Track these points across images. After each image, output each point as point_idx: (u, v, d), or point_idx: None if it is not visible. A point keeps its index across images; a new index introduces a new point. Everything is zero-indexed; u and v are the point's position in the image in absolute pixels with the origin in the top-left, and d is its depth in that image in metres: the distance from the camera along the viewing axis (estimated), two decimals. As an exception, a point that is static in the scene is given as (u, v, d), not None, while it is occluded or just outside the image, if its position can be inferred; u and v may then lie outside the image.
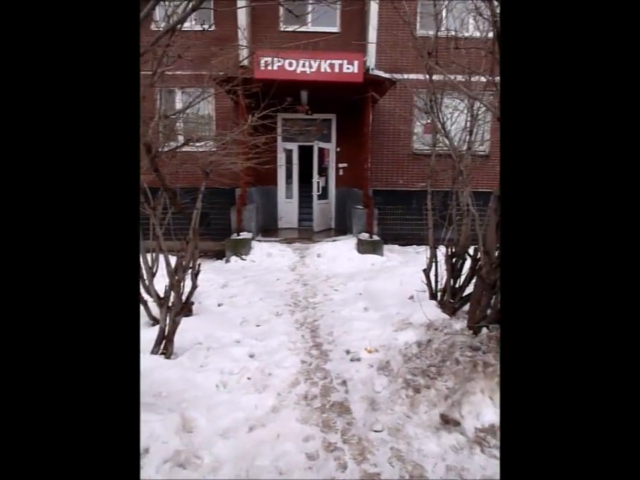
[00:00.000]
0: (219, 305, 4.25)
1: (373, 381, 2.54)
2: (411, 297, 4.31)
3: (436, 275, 3.97)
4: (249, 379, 2.63)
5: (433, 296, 3.96)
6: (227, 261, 6.02)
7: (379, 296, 4.48)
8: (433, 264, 3.95)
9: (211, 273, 5.40)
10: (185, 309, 3.26)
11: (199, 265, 3.35)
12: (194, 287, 3.28)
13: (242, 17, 7.31)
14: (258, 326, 3.71)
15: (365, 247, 6.15)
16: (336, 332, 3.52)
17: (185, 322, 3.29)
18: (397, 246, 7.74)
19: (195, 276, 3.27)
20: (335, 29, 7.91)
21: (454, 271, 3.74)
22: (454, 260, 3.75)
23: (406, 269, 5.40)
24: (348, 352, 3.09)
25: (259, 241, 6.65)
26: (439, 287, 3.98)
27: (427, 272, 3.93)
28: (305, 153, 8.07)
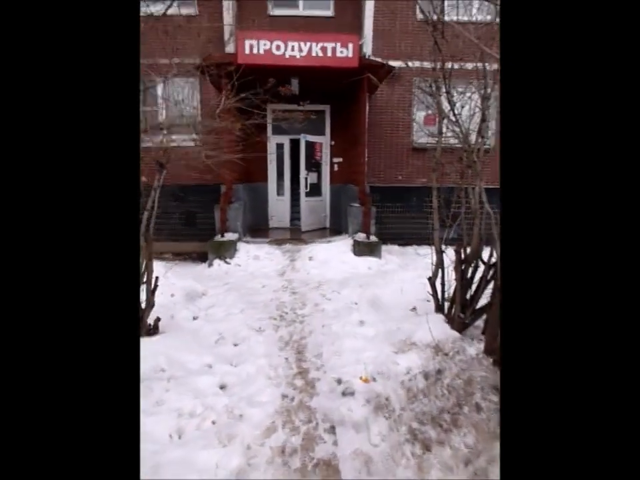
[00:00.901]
0: (194, 319, 3.71)
1: (369, 427, 2.00)
2: (414, 309, 3.78)
3: (442, 284, 3.43)
4: (213, 423, 2.09)
5: (439, 308, 3.42)
6: (210, 265, 5.47)
7: (377, 306, 3.95)
8: (439, 271, 3.41)
9: (190, 279, 4.85)
10: (144, 329, 2.72)
11: (157, 278, 2.79)
12: (149, 305, 2.73)
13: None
14: (235, 345, 3.17)
15: (361, 249, 5.60)
16: (326, 353, 2.98)
17: (148, 344, 2.76)
18: (396, 246, 7.20)
19: (151, 292, 2.71)
20: (329, 13, 7.33)
21: (464, 280, 3.21)
22: (464, 266, 3.22)
23: (406, 274, 4.87)
24: (339, 381, 2.56)
25: (246, 242, 6.09)
26: (446, 296, 3.45)
27: (432, 280, 3.39)
28: (298, 147, 7.49)
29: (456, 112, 3.02)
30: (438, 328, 3.07)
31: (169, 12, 5.08)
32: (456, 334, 2.94)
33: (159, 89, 7.47)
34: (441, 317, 3.28)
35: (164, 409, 2.16)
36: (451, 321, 3.21)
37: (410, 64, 6.57)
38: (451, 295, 3.40)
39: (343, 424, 2.07)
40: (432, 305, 3.54)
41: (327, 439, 1.98)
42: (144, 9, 3.38)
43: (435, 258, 3.40)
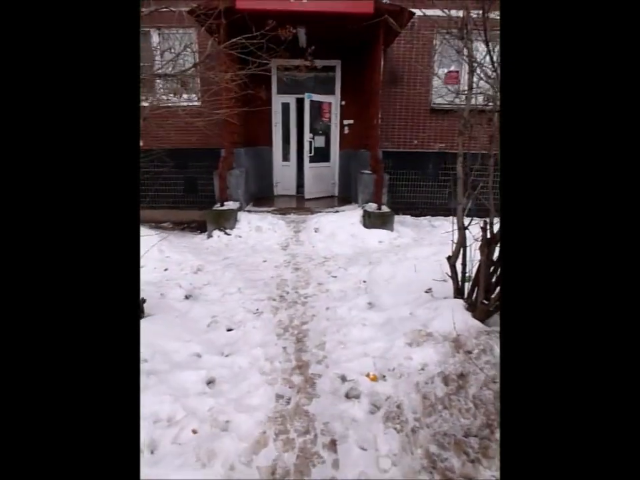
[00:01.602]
0: (186, 298, 3.39)
1: (377, 444, 1.67)
2: (429, 290, 3.40)
3: (464, 264, 3.02)
4: (194, 432, 1.79)
5: (458, 291, 3.03)
6: (209, 236, 5.12)
7: (387, 287, 3.57)
8: (461, 250, 2.99)
9: (187, 252, 4.52)
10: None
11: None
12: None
13: None
14: (229, 330, 2.86)
15: (372, 221, 5.17)
16: (329, 342, 2.65)
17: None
18: (409, 217, 6.74)
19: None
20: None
21: (489, 261, 2.79)
22: (490, 246, 2.79)
23: (420, 250, 4.46)
24: (343, 379, 2.23)
25: (248, 211, 5.69)
26: (466, 277, 3.05)
27: (452, 261, 2.98)
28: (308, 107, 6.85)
29: (494, 60, 2.48)
30: (457, 316, 2.69)
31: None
32: (479, 324, 2.57)
33: (153, 41, 6.86)
34: (460, 302, 2.89)
35: (138, 413, 1.86)
36: (472, 307, 2.83)
37: (431, 11, 5.82)
38: (472, 276, 3.02)
39: (346, 438, 1.74)
40: (449, 286, 3.16)
41: (326, 458, 1.66)
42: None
43: (456, 235, 2.97)
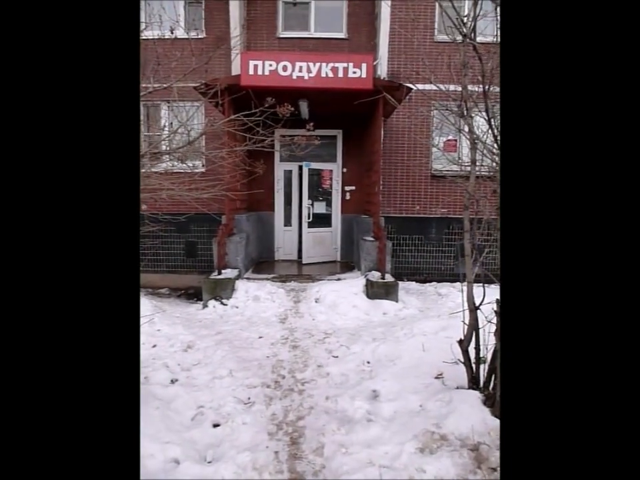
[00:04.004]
0: (172, 382, 3.07)
1: None
2: (440, 376, 3.07)
3: (477, 348, 2.74)
4: None
5: (473, 380, 2.72)
6: (205, 306, 4.87)
7: (394, 370, 3.25)
8: (473, 332, 2.73)
9: (179, 325, 4.26)
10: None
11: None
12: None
13: (235, 20, 6.42)
14: (215, 426, 2.52)
15: (376, 291, 4.93)
16: (328, 445, 2.30)
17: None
18: (414, 284, 6.50)
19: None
20: (342, 35, 6.96)
21: (505, 346, 2.51)
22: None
23: (427, 323, 4.18)
24: (344, 501, 1.87)
25: (247, 279, 5.49)
26: (481, 355, 2.75)
27: (464, 346, 2.70)
28: (309, 173, 6.95)
29: (496, 134, 2.42)
30: (474, 412, 2.38)
31: (177, 35, 4.71)
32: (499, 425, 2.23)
33: (162, 113, 7.17)
34: (476, 394, 2.57)
35: None
36: (490, 400, 2.50)
37: (428, 87, 6.10)
38: (487, 358, 2.72)
39: None
40: (461, 370, 2.84)
41: None
42: (149, 32, 3.01)
43: (467, 317, 2.72)
